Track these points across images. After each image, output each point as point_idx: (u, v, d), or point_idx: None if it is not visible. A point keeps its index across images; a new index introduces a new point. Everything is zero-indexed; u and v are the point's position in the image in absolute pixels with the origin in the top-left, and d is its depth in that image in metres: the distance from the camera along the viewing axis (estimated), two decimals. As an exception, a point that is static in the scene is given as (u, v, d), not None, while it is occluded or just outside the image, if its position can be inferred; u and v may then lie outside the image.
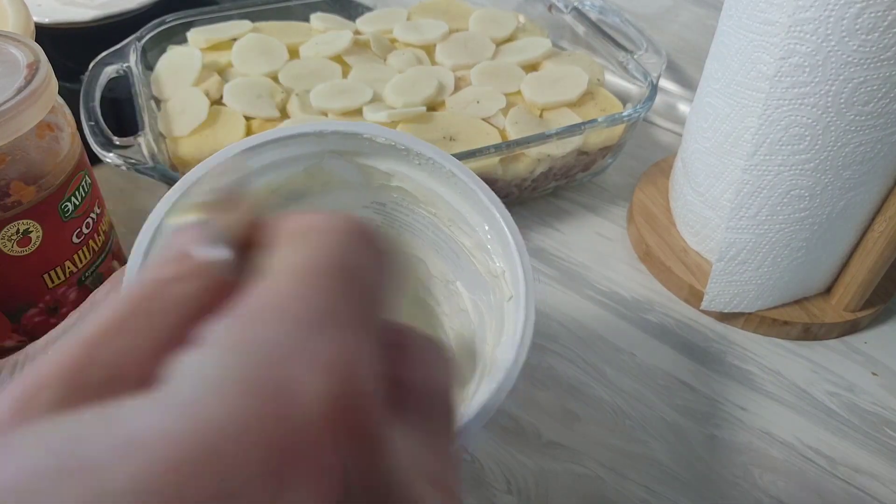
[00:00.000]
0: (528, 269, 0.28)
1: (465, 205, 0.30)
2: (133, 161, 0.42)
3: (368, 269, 0.14)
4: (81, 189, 0.35)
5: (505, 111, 0.50)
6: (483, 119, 0.50)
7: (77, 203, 0.35)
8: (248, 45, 0.55)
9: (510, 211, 0.28)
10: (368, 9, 0.62)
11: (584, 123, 0.48)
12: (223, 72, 0.53)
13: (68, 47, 0.54)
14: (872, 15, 0.33)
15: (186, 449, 0.10)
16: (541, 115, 0.51)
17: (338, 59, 0.55)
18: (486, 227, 0.29)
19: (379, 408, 0.12)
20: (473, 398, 0.27)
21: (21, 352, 0.27)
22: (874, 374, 0.42)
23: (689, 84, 0.62)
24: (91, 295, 0.27)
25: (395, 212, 0.33)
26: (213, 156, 0.28)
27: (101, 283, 0.37)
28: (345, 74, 0.54)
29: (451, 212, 0.31)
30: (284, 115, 0.50)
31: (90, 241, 0.36)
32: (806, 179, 0.39)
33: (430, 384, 0.15)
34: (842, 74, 0.35)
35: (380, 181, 0.32)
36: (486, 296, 0.31)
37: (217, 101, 0.50)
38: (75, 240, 0.35)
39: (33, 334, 0.36)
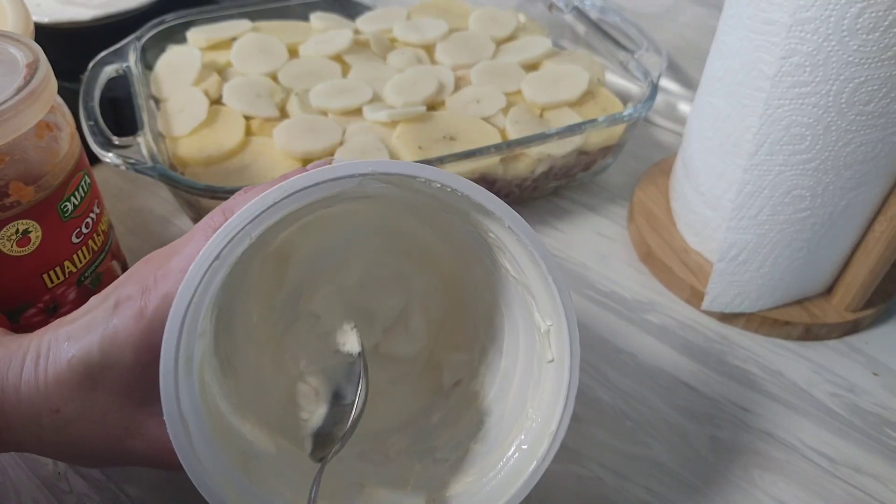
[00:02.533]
0: (576, 352, 0.28)
1: (517, 247, 0.29)
2: (132, 161, 0.42)
3: None
4: (81, 189, 0.35)
5: (505, 111, 0.50)
6: (483, 119, 0.50)
7: (76, 203, 0.34)
8: (248, 44, 0.55)
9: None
10: (368, 8, 0.62)
11: (584, 123, 0.47)
12: (223, 71, 0.53)
13: (68, 47, 0.54)
14: (873, 15, 0.33)
15: None
16: (541, 115, 0.51)
17: (337, 58, 0.55)
18: (535, 278, 0.29)
19: None
20: (506, 466, 0.29)
21: (37, 337, 0.27)
22: (875, 374, 0.42)
23: (689, 84, 0.62)
24: (109, 291, 0.27)
25: (442, 211, 0.31)
26: (248, 206, 0.25)
27: (101, 283, 0.37)
28: (344, 74, 0.54)
29: (500, 243, 0.29)
30: (284, 114, 0.50)
31: (89, 241, 0.36)
32: (807, 179, 0.38)
33: None
34: (843, 74, 0.34)
35: (427, 197, 0.29)
36: (531, 341, 0.31)
37: (216, 101, 0.50)
38: (74, 239, 0.35)
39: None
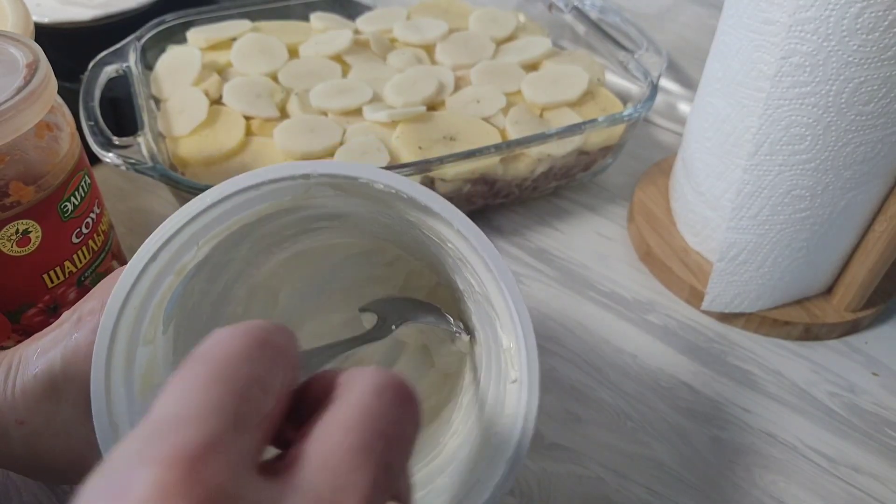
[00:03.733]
0: (534, 360, 0.25)
1: (474, 257, 0.26)
2: (132, 161, 0.42)
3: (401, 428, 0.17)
4: (81, 189, 0.35)
5: (505, 111, 0.50)
6: (483, 119, 0.50)
7: (76, 203, 0.34)
8: (248, 44, 0.55)
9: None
10: (368, 8, 0.62)
11: (584, 123, 0.47)
12: (223, 71, 0.53)
13: (68, 47, 0.54)
14: (873, 15, 0.33)
15: None
16: (541, 115, 0.51)
17: (337, 58, 0.55)
18: (495, 293, 0.26)
19: None
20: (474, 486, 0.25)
21: (13, 352, 0.27)
22: (875, 374, 0.42)
23: (689, 84, 0.62)
24: (78, 305, 0.27)
25: (408, 227, 0.30)
26: (183, 207, 0.26)
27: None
28: (345, 74, 0.54)
29: (459, 254, 0.27)
30: (284, 114, 0.50)
31: (90, 241, 0.36)
32: (807, 179, 0.38)
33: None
34: (842, 74, 0.34)
35: (380, 205, 0.29)
36: (496, 349, 0.28)
37: (217, 101, 0.50)
38: (75, 240, 0.35)
39: (33, 334, 0.36)
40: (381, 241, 0.36)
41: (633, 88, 0.52)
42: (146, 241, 0.25)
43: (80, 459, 0.27)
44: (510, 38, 0.58)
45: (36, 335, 0.28)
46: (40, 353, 0.26)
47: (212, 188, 0.26)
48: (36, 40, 0.34)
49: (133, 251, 0.26)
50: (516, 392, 0.25)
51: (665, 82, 0.63)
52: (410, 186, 0.26)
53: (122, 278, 0.25)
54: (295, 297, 0.36)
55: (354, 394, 0.17)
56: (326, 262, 0.36)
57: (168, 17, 0.56)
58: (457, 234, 0.26)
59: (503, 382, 0.27)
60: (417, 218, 0.27)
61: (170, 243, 0.26)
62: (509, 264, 0.48)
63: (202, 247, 0.27)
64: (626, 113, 0.48)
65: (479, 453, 0.27)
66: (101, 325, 0.25)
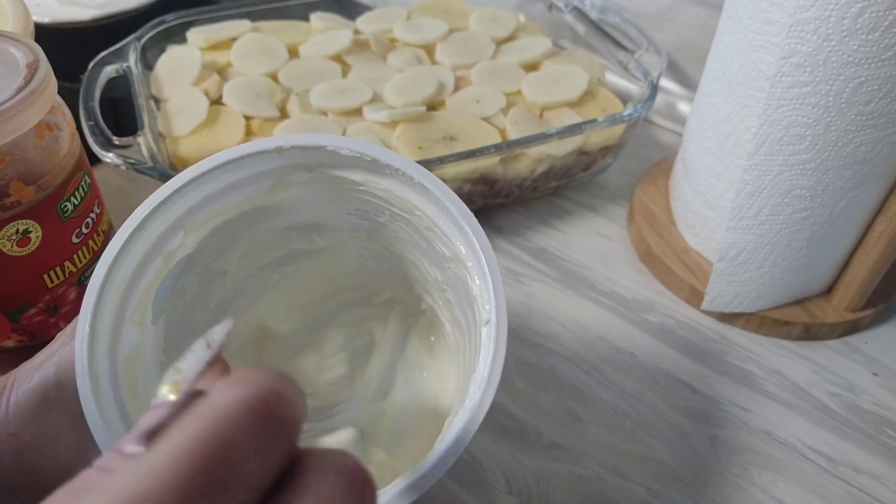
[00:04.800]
0: (500, 297, 0.25)
1: (441, 216, 0.28)
2: (132, 161, 0.42)
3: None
4: (81, 189, 0.35)
5: (505, 111, 0.50)
6: (483, 119, 0.50)
7: (76, 203, 0.34)
8: (248, 44, 0.55)
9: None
10: (368, 8, 0.62)
11: (584, 123, 0.47)
12: (223, 71, 0.53)
13: (68, 47, 0.54)
14: (873, 14, 0.33)
15: None
16: (541, 115, 0.51)
17: (337, 58, 0.55)
18: (461, 245, 0.28)
19: None
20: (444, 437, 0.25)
21: (8, 374, 0.27)
22: (875, 374, 0.42)
23: (689, 84, 0.62)
24: (72, 323, 0.28)
25: (379, 217, 0.32)
26: (162, 187, 0.27)
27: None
28: (345, 74, 0.54)
29: (427, 221, 0.29)
30: (284, 114, 0.50)
31: (90, 241, 0.36)
32: (807, 179, 0.38)
33: None
34: (842, 74, 0.34)
35: (350, 190, 0.30)
36: (470, 311, 0.29)
37: (216, 101, 0.50)
38: (75, 239, 0.35)
39: (33, 334, 0.36)
40: (372, 278, 0.37)
41: (633, 88, 0.52)
42: (130, 216, 0.26)
43: (65, 472, 0.27)
44: (510, 38, 0.58)
45: (39, 353, 0.28)
46: (34, 368, 0.27)
47: (191, 166, 0.27)
48: (36, 40, 0.34)
49: (133, 251, 0.26)
50: (486, 336, 0.26)
51: (665, 82, 0.63)
52: (372, 148, 0.27)
53: (107, 251, 0.26)
54: (293, 334, 0.37)
55: (327, 489, 0.17)
56: (328, 303, 0.38)
57: (168, 17, 0.56)
58: (420, 193, 0.27)
59: (478, 328, 0.27)
60: (385, 192, 0.29)
61: (154, 219, 0.27)
62: (509, 264, 0.48)
63: (189, 233, 0.28)
64: (626, 113, 0.48)
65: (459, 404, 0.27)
66: (86, 294, 0.25)
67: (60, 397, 0.26)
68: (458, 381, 0.33)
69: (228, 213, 0.29)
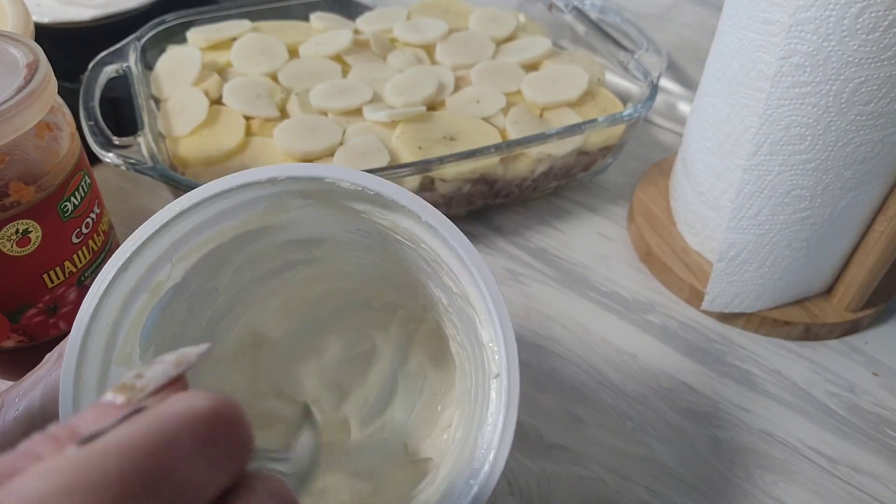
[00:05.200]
0: (513, 353, 0.24)
1: (449, 255, 0.26)
2: (132, 161, 0.42)
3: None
4: (81, 189, 0.35)
5: (505, 111, 0.50)
6: (483, 119, 0.50)
7: (76, 203, 0.34)
8: (248, 44, 0.55)
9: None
10: (368, 8, 0.62)
11: (584, 123, 0.47)
12: (223, 71, 0.53)
13: (68, 47, 0.54)
14: (873, 15, 0.33)
15: None
16: (541, 115, 0.51)
17: (337, 58, 0.55)
18: (469, 286, 0.26)
19: None
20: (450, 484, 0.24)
21: None
22: (875, 374, 0.42)
23: (689, 84, 0.62)
24: (60, 345, 0.27)
25: (383, 239, 0.30)
26: (148, 221, 0.25)
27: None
28: (345, 74, 0.54)
29: (433, 255, 0.27)
30: (284, 114, 0.50)
31: (90, 241, 0.36)
32: (807, 179, 0.38)
33: None
34: (842, 74, 0.34)
35: (353, 216, 0.28)
36: (477, 345, 0.27)
37: (217, 101, 0.50)
38: (75, 240, 0.35)
39: (33, 334, 0.36)
40: (372, 282, 0.36)
41: (633, 88, 0.52)
42: (116, 251, 0.25)
43: None
44: (510, 38, 0.58)
45: (20, 379, 0.27)
46: (21, 396, 0.26)
47: (181, 196, 0.26)
48: (36, 40, 0.34)
49: (133, 251, 0.26)
50: (497, 386, 0.25)
51: (665, 82, 0.63)
52: (375, 182, 0.25)
53: (92, 289, 0.25)
54: (289, 338, 0.36)
55: None
56: (325, 306, 0.37)
57: (168, 17, 0.56)
58: (427, 229, 0.26)
59: (487, 379, 0.26)
60: (390, 222, 0.27)
61: (141, 254, 0.25)
62: (509, 264, 0.48)
63: (177, 264, 0.27)
64: (626, 113, 0.48)
65: (469, 455, 0.26)
66: (70, 338, 0.24)
67: (45, 424, 0.26)
68: (461, 423, 0.31)
69: (221, 238, 0.28)
